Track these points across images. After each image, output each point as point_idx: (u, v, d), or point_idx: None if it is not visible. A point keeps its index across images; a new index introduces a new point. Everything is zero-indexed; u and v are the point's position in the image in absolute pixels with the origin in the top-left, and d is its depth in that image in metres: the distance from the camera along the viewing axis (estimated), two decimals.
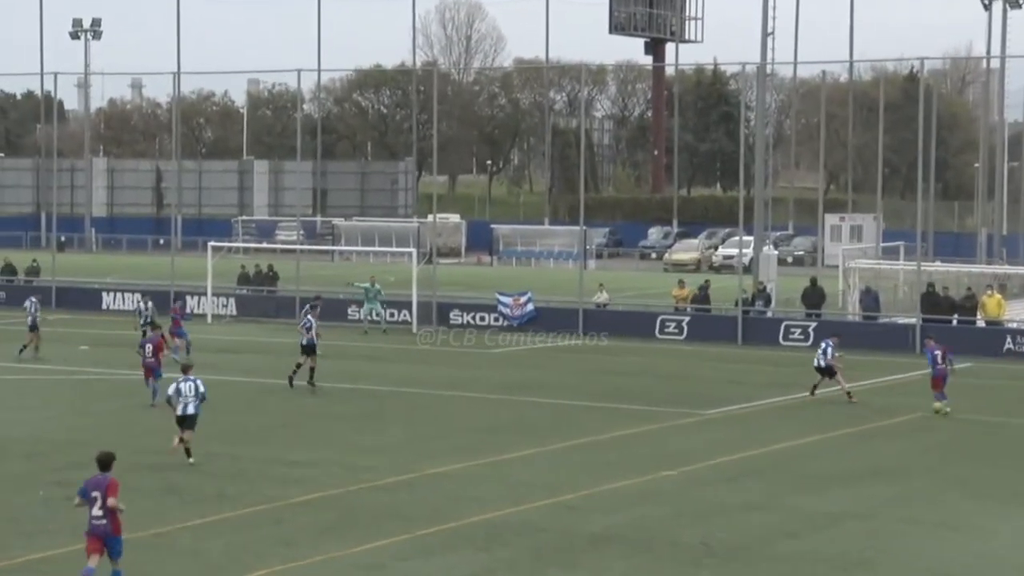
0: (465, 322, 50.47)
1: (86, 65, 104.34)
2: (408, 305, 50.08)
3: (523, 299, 49.68)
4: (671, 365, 41.76)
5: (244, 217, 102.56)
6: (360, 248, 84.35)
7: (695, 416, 32.14)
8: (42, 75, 64.39)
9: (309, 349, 35.00)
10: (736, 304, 48.38)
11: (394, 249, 77.44)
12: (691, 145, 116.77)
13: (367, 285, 49.52)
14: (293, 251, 60.93)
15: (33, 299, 42.57)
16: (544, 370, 40.14)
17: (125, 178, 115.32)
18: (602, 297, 51.71)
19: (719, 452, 27.41)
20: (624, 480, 24.65)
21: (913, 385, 37.92)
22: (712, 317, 49.85)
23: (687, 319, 48.50)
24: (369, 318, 49.24)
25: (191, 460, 25.35)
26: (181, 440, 25.45)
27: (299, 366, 35.07)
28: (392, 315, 50.36)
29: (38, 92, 70.20)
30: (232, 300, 53.47)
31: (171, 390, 25.92)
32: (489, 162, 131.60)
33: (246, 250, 77.87)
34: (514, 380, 37.59)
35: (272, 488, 23.58)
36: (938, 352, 32.45)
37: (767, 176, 68.56)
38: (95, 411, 32.05)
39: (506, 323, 49.32)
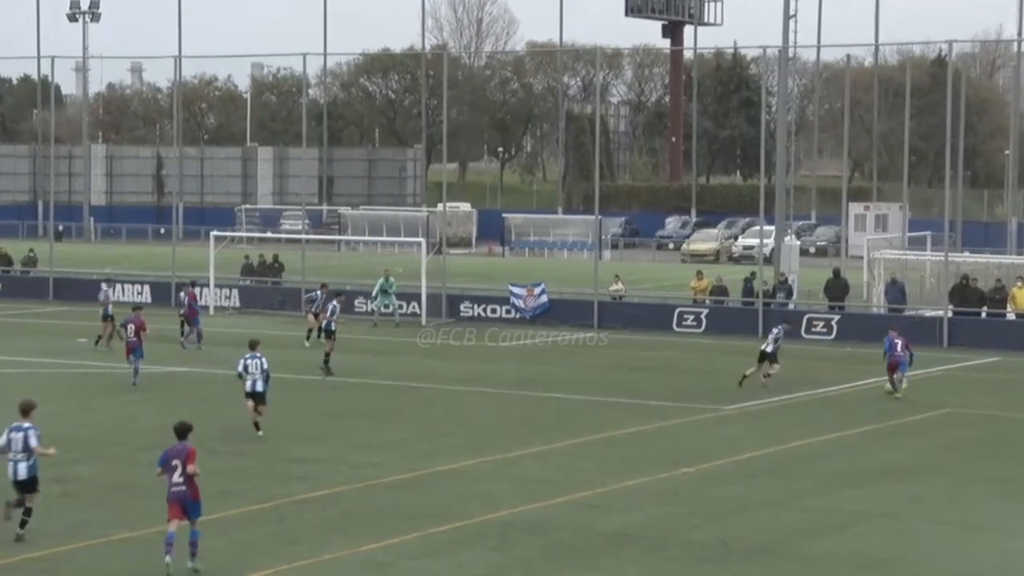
0: (476, 314, 50.57)
1: (84, 48, 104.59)
2: (417, 297, 50.18)
3: (537, 290, 49.74)
4: (689, 359, 41.80)
5: (248, 206, 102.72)
6: (367, 238, 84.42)
7: (714, 412, 32.18)
8: (39, 59, 64.50)
9: (329, 332, 37.14)
10: (757, 296, 48.38)
11: (402, 239, 77.49)
12: (710, 131, 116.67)
13: (381, 281, 49.52)
14: (298, 241, 61.04)
15: (105, 287, 43.66)
16: (558, 364, 40.19)
17: (125, 165, 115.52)
18: (618, 289, 51.75)
19: (738, 449, 27.46)
20: (641, 477, 24.72)
21: (939, 381, 37.94)
22: (731, 309, 49.86)
23: (706, 311, 48.52)
24: (380, 311, 49.32)
25: (260, 433, 27.84)
26: (257, 413, 28.11)
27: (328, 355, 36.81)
28: (400, 307, 50.44)
29: (35, 76, 70.30)
30: (235, 291, 53.64)
31: (240, 366, 28.33)
32: (501, 149, 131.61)
33: (250, 240, 78.07)
34: (527, 375, 37.66)
35: (276, 485, 23.70)
36: (899, 342, 34.09)
37: (789, 164, 68.50)
38: (94, 406, 32.19)
39: (518, 315, 49.39)
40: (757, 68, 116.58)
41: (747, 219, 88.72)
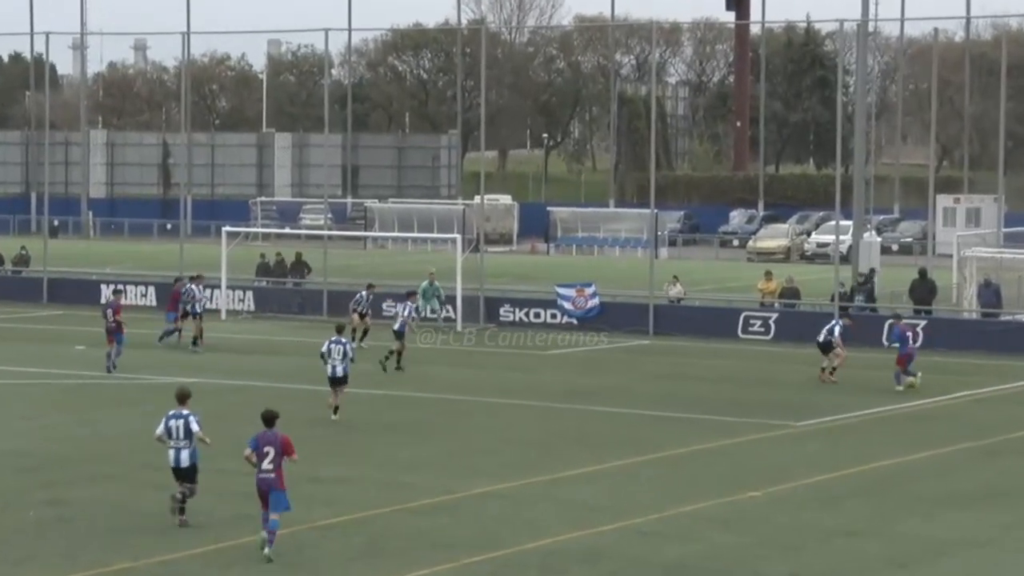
0: (518, 319, 50.48)
1: (82, 24, 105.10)
2: (452, 300, 50.15)
3: (588, 291, 49.61)
4: (756, 369, 41.61)
5: (263, 198, 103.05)
6: (397, 234, 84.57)
7: (784, 428, 32.01)
8: (32, 35, 64.89)
9: (399, 334, 39.22)
10: (832, 299, 48.14)
11: (436, 235, 77.52)
12: (780, 115, 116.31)
13: (425, 284, 49.37)
14: (320, 238, 61.12)
15: (190, 286, 44.46)
16: (609, 375, 40.08)
17: (127, 154, 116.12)
18: (676, 291, 51.59)
19: (812, 470, 27.29)
20: (701, 502, 24.59)
21: None
22: (804, 314, 49.60)
23: (775, 316, 48.32)
24: (424, 315, 49.22)
25: (334, 417, 31.42)
26: (337, 398, 31.46)
27: (392, 353, 38.92)
28: (432, 312, 50.39)
29: (27, 55, 70.76)
30: (250, 294, 53.76)
31: (323, 348, 31.88)
32: (545, 135, 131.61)
33: (266, 236, 78.29)
34: (574, 386, 37.58)
35: (295, 509, 23.65)
36: (910, 333, 37.89)
37: (868, 151, 68.20)
38: (93, 420, 32.28)
39: (566, 319, 49.29)
40: (833, 44, 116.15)
41: (821, 213, 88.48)
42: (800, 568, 20.59)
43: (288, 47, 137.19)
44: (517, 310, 50.92)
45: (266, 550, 20.66)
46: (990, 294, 47.89)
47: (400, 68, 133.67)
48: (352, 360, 31.91)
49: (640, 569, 20.58)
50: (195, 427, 22.43)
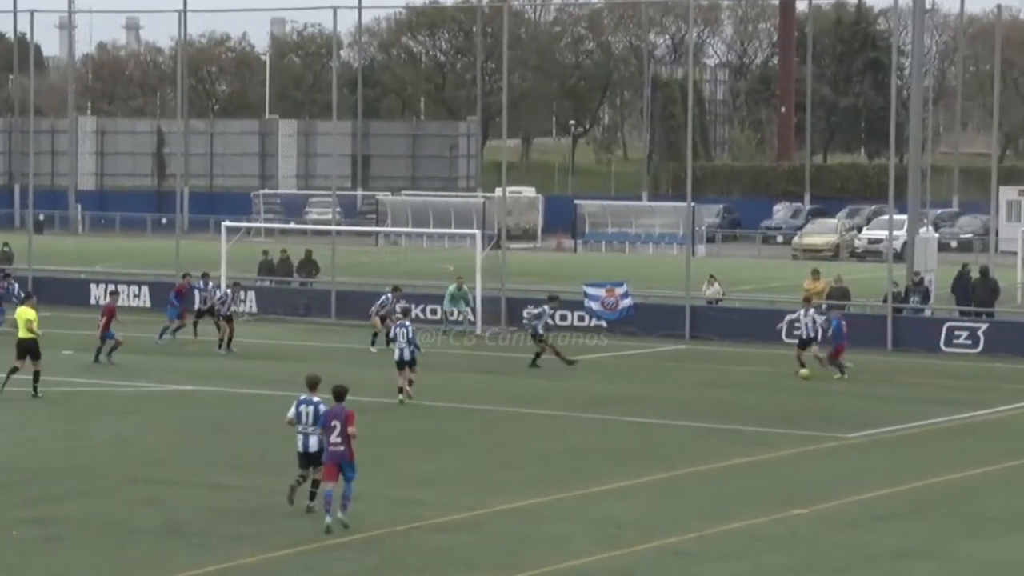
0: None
1: (70, 1, 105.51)
2: (471, 301, 50.18)
3: (619, 290, 49.54)
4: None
5: (266, 191, 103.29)
6: (411, 230, 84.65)
7: (833, 440, 31.99)
8: (15, 12, 65.18)
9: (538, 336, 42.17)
10: (884, 300, 48.06)
11: (453, 231, 77.56)
12: (828, 100, 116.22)
13: (452, 288, 49.50)
14: (328, 233, 61.19)
15: (227, 290, 46.36)
16: (641, 381, 40.06)
17: (119, 142, 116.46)
18: (714, 291, 51.53)
19: (864, 486, 27.26)
20: (743, 520, 24.58)
21: None
22: (855, 317, 49.52)
23: (822, 319, 48.21)
24: (452, 319, 49.33)
25: (400, 397, 35.13)
26: (404, 379, 35.23)
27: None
28: (451, 313, 50.47)
29: (10, 35, 71.00)
30: (252, 294, 53.85)
31: (392, 332, 36.65)
32: (572, 122, 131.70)
33: (269, 232, 78.46)
34: (604, 394, 37.57)
35: (301, 527, 23.71)
36: (844, 323, 41.10)
37: (925, 139, 68.10)
38: (81, 432, 32.35)
39: (595, 322, 49.24)
40: (886, 22, 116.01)
41: (873, 207, 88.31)
42: None
43: (293, 26, 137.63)
44: None
45: (340, 515, 23.07)
46: None
47: (415, 49, 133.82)
48: (417, 347, 35.65)
49: None
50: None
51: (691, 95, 58.04)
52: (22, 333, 36.10)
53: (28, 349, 35.85)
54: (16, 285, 50.15)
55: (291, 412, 24.58)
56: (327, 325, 50.94)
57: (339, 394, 23.79)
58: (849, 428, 33.14)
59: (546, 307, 43.44)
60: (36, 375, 35.73)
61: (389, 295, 45.13)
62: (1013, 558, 22.69)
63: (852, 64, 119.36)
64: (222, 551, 22.28)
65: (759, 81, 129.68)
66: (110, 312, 41.60)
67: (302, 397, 24.40)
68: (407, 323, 36.02)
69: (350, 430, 23.32)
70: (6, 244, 63.54)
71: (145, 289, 55.79)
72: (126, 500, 25.57)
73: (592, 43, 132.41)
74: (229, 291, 46.55)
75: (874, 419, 34.18)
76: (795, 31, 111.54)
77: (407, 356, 35.44)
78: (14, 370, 35.96)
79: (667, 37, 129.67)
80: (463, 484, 27.14)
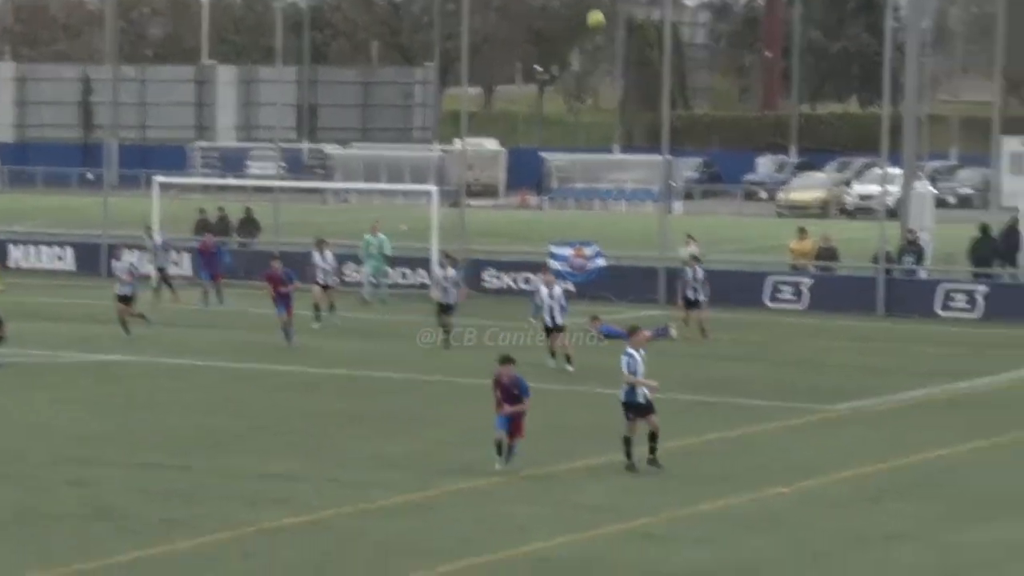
0: (504, 285, 50.60)
1: None
2: (426, 263, 50.16)
3: (588, 250, 49.63)
4: (786, 344, 41.82)
5: (204, 143, 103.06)
6: (362, 185, 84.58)
7: (818, 413, 32.16)
8: None
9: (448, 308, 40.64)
10: (875, 261, 48.24)
11: (408, 187, 77.52)
12: (817, 44, 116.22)
13: (367, 237, 49.56)
14: (270, 190, 61.09)
15: (327, 258, 44.28)
16: (613, 351, 40.10)
17: (41, 90, 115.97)
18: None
19: (852, 462, 27.43)
20: (721, 500, 24.72)
21: None
22: (843, 279, 49.73)
23: (808, 281, 48.46)
24: (371, 281, 49.40)
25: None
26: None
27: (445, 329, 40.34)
28: (403, 276, 50.48)
29: None
30: (186, 256, 53.74)
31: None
32: (539, 69, 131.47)
33: (206, 188, 78.28)
34: (575, 365, 37.62)
35: (239, 510, 23.75)
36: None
37: (922, 86, 68.21)
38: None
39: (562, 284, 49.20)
40: None
41: (865, 159, 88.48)
42: None
43: None
44: (504, 275, 50.99)
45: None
46: None
47: None
48: (565, 308, 36.89)
49: None
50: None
51: (667, 38, 58.05)
52: None
53: None
54: None
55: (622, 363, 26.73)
56: (264, 290, 50.84)
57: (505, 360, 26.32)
58: (835, 400, 33.27)
59: (452, 271, 41.24)
60: None
61: (315, 253, 44.23)
62: (1006, 539, 22.83)
63: (844, 5, 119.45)
64: (152, 536, 22.30)
65: (743, 23, 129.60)
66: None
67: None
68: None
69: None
70: None
71: (69, 250, 55.66)
72: (49, 483, 25.53)
73: None
74: (315, 253, 44.59)
75: (862, 390, 34.33)
76: None
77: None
78: None
79: None
80: (415, 463, 27.18)
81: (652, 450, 26.34)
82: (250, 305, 46.30)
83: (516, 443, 26.16)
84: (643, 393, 26.48)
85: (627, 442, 26.40)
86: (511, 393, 26.04)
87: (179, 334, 42.03)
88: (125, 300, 40.93)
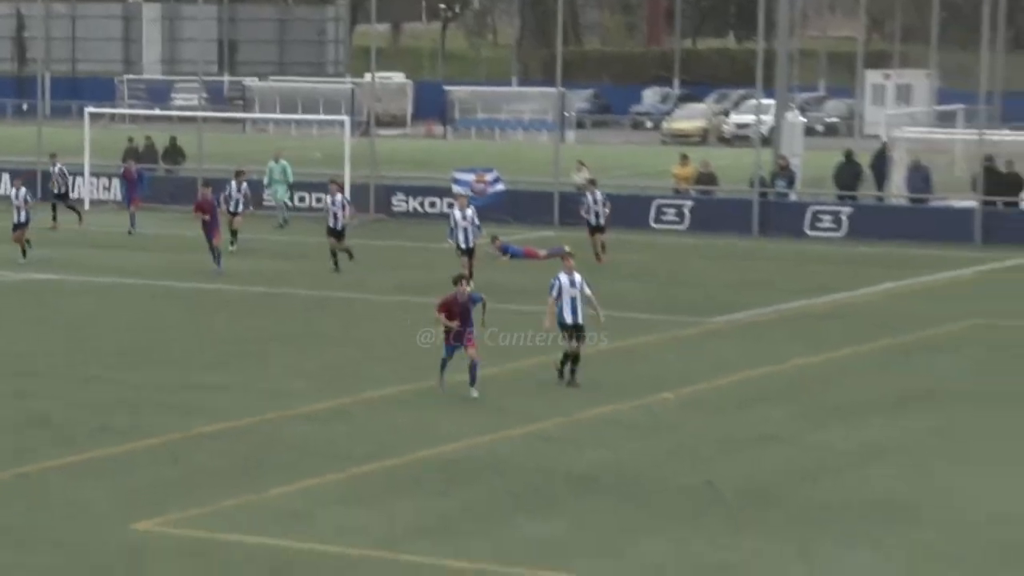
0: (411, 209, 50.52)
1: None
2: (341, 189, 49.95)
3: (489, 176, 49.57)
4: (669, 261, 42.10)
5: (131, 76, 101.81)
6: (279, 116, 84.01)
7: (698, 325, 32.41)
8: None
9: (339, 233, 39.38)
10: (751, 185, 48.54)
11: (322, 117, 77.05)
12: None
13: (271, 164, 49.29)
14: (194, 120, 60.60)
15: (342, 198, 41.21)
16: (511, 271, 40.24)
17: None
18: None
19: (727, 371, 27.69)
20: (611, 405, 24.92)
21: (967, 285, 38.32)
22: (721, 202, 50.00)
23: (690, 204, 48.66)
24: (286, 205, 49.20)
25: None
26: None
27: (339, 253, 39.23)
28: (318, 201, 50.28)
29: None
30: (116, 182, 53.31)
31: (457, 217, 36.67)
32: (443, 6, 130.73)
33: (134, 118, 77.48)
34: (476, 281, 37.60)
35: (169, 418, 23.75)
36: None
37: (793, 22, 68.38)
38: None
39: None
40: None
41: (741, 91, 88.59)
42: (714, 476, 20.90)
43: None
44: (411, 199, 50.91)
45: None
46: (919, 179, 48.43)
47: None
48: (479, 228, 36.44)
49: (546, 478, 20.86)
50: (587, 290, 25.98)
51: None
52: None
53: None
54: None
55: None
56: (193, 214, 50.53)
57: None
58: (716, 313, 33.51)
59: (339, 196, 40.20)
60: None
61: (232, 183, 43.13)
62: (864, 441, 23.08)
63: None
64: (87, 443, 22.28)
65: None
66: None
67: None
68: (469, 209, 36.86)
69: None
70: None
71: (5, 176, 55.03)
72: None
73: None
74: (232, 183, 43.25)
75: (740, 303, 34.52)
76: None
77: (469, 244, 36.46)
78: None
79: None
80: (335, 373, 27.21)
81: (572, 371, 26.23)
82: (175, 228, 46.06)
83: (477, 363, 25.14)
84: (569, 314, 26.03)
85: (565, 359, 26.21)
86: (467, 309, 25.23)
87: (106, 256, 41.75)
88: (20, 227, 40.34)
